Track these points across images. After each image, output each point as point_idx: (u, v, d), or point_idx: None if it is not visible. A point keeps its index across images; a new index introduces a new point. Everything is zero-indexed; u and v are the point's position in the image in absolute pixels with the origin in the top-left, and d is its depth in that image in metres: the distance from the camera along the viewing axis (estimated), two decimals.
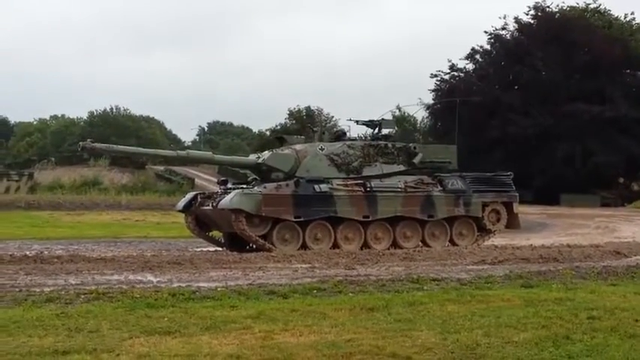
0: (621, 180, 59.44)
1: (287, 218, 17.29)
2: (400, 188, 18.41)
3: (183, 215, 19.53)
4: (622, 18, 62.18)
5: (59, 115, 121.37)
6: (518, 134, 54.04)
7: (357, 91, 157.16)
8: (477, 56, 62.95)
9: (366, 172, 18.56)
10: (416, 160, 19.21)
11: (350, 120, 20.38)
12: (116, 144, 24.38)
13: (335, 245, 17.52)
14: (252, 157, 19.61)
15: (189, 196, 19.43)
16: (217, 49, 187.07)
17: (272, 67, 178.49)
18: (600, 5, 62.60)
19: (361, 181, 18.19)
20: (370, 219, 18.00)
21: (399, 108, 68.44)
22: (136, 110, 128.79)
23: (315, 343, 7.09)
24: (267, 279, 11.93)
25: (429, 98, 63.38)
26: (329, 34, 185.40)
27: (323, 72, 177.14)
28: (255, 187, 17.54)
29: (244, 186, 18.24)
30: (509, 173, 20.35)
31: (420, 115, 69.90)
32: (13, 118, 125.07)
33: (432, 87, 63.12)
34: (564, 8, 61.50)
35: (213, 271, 13.06)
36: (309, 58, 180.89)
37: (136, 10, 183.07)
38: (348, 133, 20.19)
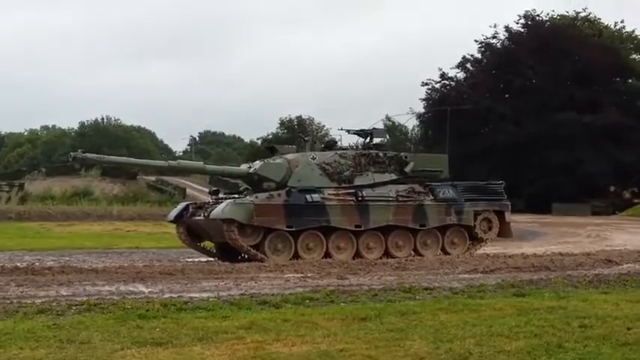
0: (612, 188, 59.68)
1: (279, 228, 17.27)
2: (392, 197, 18.42)
3: (174, 226, 19.48)
4: (612, 26, 62.68)
5: (50, 126, 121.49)
6: (510, 143, 54.22)
7: (350, 101, 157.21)
8: (468, 65, 63.24)
9: (358, 181, 18.55)
10: (407, 169, 19.22)
11: (341, 129, 20.42)
12: (107, 154, 24.33)
13: (327, 255, 17.51)
14: (244, 166, 19.61)
15: (180, 206, 19.41)
16: (210, 60, 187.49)
17: (264, 78, 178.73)
18: (590, 14, 63.11)
19: (353, 191, 18.18)
20: (362, 228, 17.99)
21: (388, 118, 68.58)
22: (127, 120, 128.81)
23: (308, 353, 7.08)
24: (259, 289, 11.91)
25: (420, 107, 63.65)
26: (322, 44, 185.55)
27: (316, 83, 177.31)
28: (247, 197, 17.54)
29: (236, 196, 18.25)
30: (500, 182, 20.39)
31: (411, 124, 70.13)
32: (4, 129, 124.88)
33: (423, 96, 63.40)
34: (554, 17, 61.93)
35: (205, 281, 13.03)
36: (302, 69, 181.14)
37: (129, 21, 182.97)
38: (339, 143, 20.21)
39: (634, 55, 62.55)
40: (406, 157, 19.71)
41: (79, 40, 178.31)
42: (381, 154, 19.25)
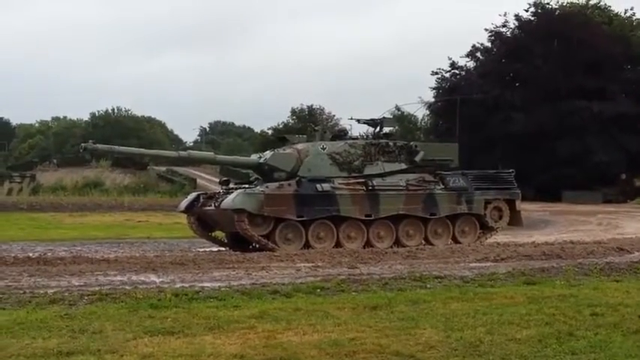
0: (623, 176, 59.42)
1: (289, 218, 17.29)
2: (402, 186, 18.41)
3: (185, 216, 19.53)
4: (622, 14, 62.29)
5: (61, 117, 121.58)
6: (520, 131, 54.01)
7: (360, 92, 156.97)
8: (478, 54, 63.00)
9: (368, 170, 18.55)
10: (417, 158, 19.18)
11: (351, 119, 20.45)
12: (118, 145, 24.35)
13: (338, 244, 17.52)
14: (254, 157, 19.61)
15: (191, 196, 19.43)
16: (221, 51, 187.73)
17: (276, 69, 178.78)
18: (600, 1, 62.65)
19: (363, 180, 18.19)
20: (372, 217, 17.99)
21: (398, 108, 68.31)
22: (138, 111, 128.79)
23: (319, 342, 7.10)
24: (270, 278, 11.92)
25: (429, 96, 63.48)
26: (334, 35, 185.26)
27: (328, 74, 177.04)
28: (258, 187, 17.54)
29: (246, 186, 18.26)
30: (510, 170, 20.35)
31: (421, 113, 69.91)
32: (15, 120, 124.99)
33: (433, 85, 63.23)
34: (564, 4, 61.59)
35: (216, 271, 13.06)
36: (314, 60, 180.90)
37: (140, 12, 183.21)
38: (349, 132, 20.19)
39: None
40: (416, 146, 19.69)
41: (90, 31, 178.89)
42: (391, 143, 19.23)
